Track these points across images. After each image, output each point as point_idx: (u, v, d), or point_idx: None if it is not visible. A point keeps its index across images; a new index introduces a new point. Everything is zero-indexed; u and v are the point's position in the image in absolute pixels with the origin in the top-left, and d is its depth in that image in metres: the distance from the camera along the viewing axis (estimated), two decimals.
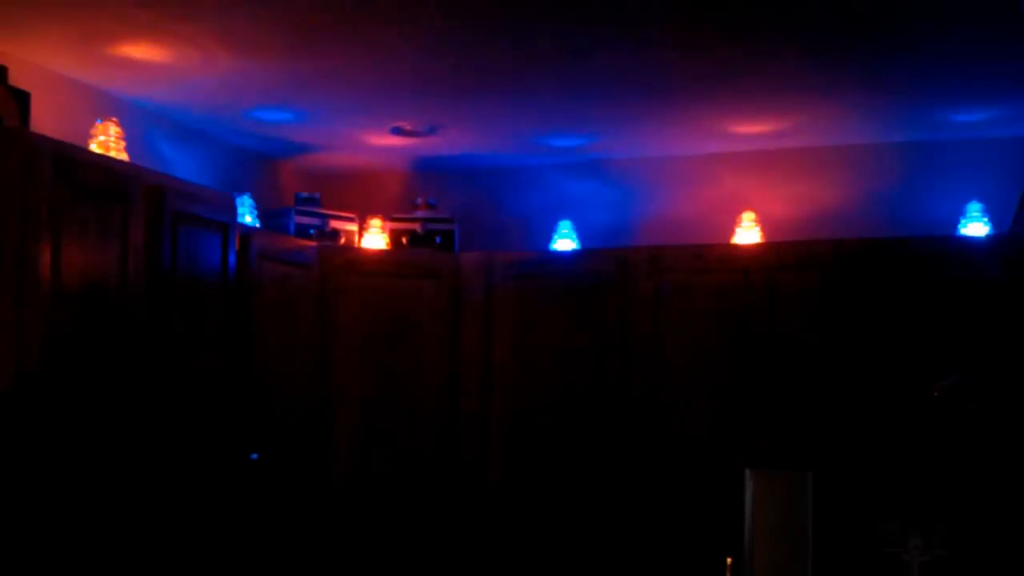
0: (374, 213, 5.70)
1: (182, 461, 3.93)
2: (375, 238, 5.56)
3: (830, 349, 4.83)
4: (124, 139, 4.28)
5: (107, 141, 4.19)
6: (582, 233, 5.69)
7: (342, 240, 5.45)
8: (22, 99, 3.86)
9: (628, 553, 5.07)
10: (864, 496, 4.59)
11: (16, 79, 3.96)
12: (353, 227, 5.52)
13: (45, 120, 4.07)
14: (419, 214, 5.68)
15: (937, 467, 4.58)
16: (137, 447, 3.72)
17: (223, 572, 4.18)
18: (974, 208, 5.04)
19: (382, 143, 5.46)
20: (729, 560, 3.78)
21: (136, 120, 4.72)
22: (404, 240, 5.59)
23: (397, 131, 5.22)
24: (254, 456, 4.36)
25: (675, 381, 5.07)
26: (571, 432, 5.21)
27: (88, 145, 4.14)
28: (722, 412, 4.95)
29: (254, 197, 5.24)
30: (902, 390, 4.67)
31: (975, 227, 5.00)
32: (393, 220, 5.63)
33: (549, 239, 5.70)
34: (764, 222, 5.38)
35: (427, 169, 6.01)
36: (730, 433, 4.90)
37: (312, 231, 5.33)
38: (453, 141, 5.44)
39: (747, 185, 5.59)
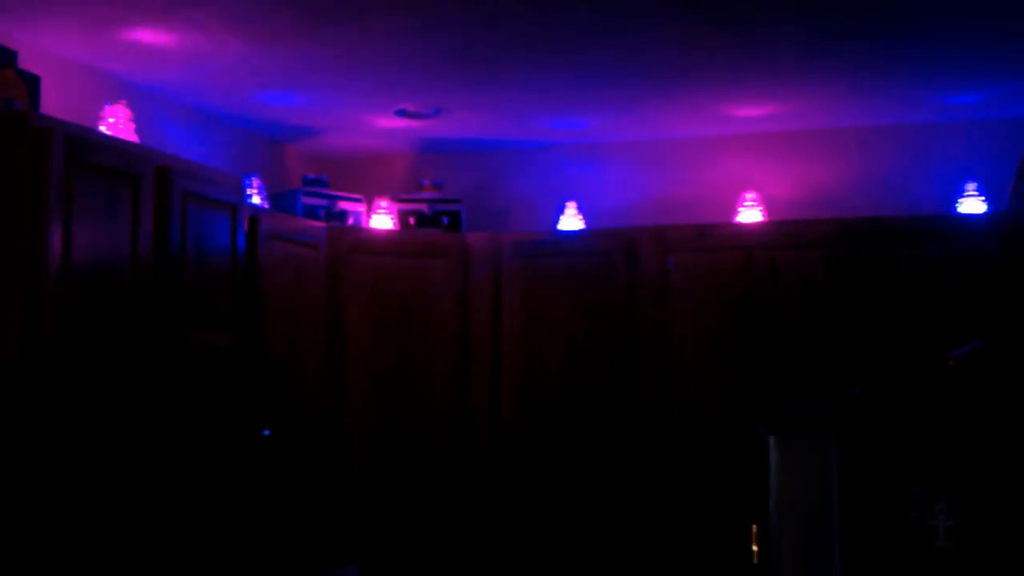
0: (381, 194, 5.75)
1: (192, 436, 3.98)
2: (383, 219, 5.61)
3: (834, 322, 4.90)
4: (133, 122, 4.32)
5: (117, 123, 4.23)
6: (588, 214, 5.74)
7: (350, 221, 5.50)
8: (32, 83, 3.90)
9: (652, 524, 5.12)
10: (889, 463, 4.67)
11: (26, 63, 4.01)
12: (361, 208, 5.56)
13: (55, 104, 4.09)
14: (426, 195, 5.71)
15: (959, 433, 4.68)
16: (148, 421, 3.77)
17: (237, 545, 4.24)
18: (971, 187, 5.12)
19: (388, 125, 5.49)
20: (755, 528, 3.82)
21: (145, 104, 4.75)
22: (411, 221, 5.64)
23: (403, 113, 5.26)
24: (266, 432, 4.41)
25: (683, 356, 5.12)
26: (583, 409, 5.25)
27: (98, 128, 4.17)
28: (732, 384, 5.01)
29: (262, 179, 5.28)
30: (907, 361, 4.74)
31: (972, 205, 5.08)
32: (400, 201, 5.68)
33: (555, 220, 5.75)
34: (766, 202, 5.44)
35: (433, 151, 6.04)
36: (742, 404, 4.95)
37: (320, 212, 5.37)
38: (459, 123, 5.47)
39: (749, 166, 5.64)
